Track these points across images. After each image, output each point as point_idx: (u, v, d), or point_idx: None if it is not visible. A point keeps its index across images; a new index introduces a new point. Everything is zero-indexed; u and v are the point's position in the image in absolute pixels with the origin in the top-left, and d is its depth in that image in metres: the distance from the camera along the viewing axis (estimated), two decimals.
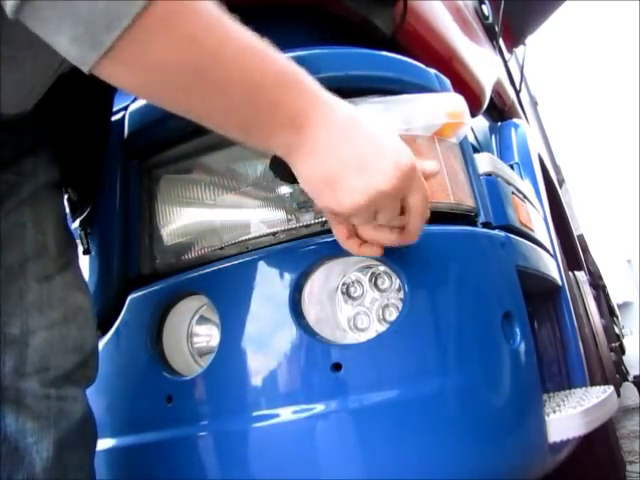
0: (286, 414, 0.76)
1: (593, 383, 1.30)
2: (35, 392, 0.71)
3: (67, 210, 0.92)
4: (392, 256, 0.77)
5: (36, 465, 0.69)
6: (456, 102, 0.90)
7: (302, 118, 0.59)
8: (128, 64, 0.51)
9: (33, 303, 0.73)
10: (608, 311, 3.57)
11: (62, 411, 0.73)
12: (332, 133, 0.60)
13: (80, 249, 0.93)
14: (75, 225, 0.98)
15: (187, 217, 0.92)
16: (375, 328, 0.80)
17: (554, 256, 1.34)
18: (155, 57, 0.51)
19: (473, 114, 1.30)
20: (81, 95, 0.82)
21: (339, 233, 0.71)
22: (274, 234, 0.84)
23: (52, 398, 0.73)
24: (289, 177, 0.66)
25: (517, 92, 2.33)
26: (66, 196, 0.92)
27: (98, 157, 0.96)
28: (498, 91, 1.86)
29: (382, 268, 0.81)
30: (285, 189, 0.86)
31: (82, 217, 0.98)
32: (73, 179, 0.92)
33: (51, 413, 0.72)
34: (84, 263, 0.92)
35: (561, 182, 3.28)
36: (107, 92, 0.88)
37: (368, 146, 0.61)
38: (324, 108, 0.60)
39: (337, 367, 0.75)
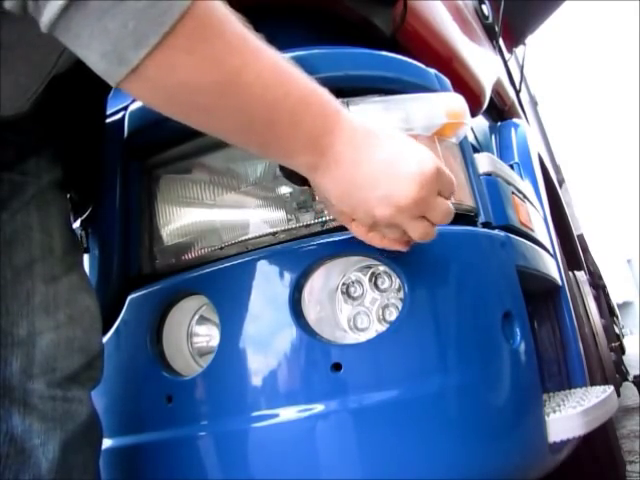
0: (286, 414, 0.76)
1: (593, 383, 1.30)
2: (42, 393, 0.72)
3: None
4: (392, 256, 0.77)
5: (42, 466, 0.69)
6: (456, 102, 0.90)
7: (327, 138, 0.60)
8: (153, 82, 0.52)
9: (40, 304, 0.74)
10: (608, 311, 3.57)
11: (68, 412, 0.73)
12: (356, 148, 0.61)
13: None
14: (76, 225, 0.98)
15: (187, 217, 0.92)
16: (375, 328, 0.80)
17: (554, 256, 1.34)
18: (179, 76, 0.52)
19: (473, 114, 1.30)
20: (75, 94, 0.82)
21: (358, 230, 0.71)
22: (274, 234, 0.84)
23: (58, 399, 0.73)
24: (298, 180, 0.66)
25: (517, 92, 2.32)
26: (68, 196, 0.92)
27: (97, 157, 0.96)
28: (498, 91, 1.86)
29: (382, 268, 0.81)
30: (285, 189, 0.86)
31: (83, 217, 0.98)
32: (74, 179, 0.92)
33: (57, 414, 0.72)
34: (84, 263, 0.92)
35: (561, 182, 3.28)
36: (101, 92, 0.88)
37: (391, 157, 0.63)
38: (346, 125, 0.61)
39: (337, 367, 0.75)
